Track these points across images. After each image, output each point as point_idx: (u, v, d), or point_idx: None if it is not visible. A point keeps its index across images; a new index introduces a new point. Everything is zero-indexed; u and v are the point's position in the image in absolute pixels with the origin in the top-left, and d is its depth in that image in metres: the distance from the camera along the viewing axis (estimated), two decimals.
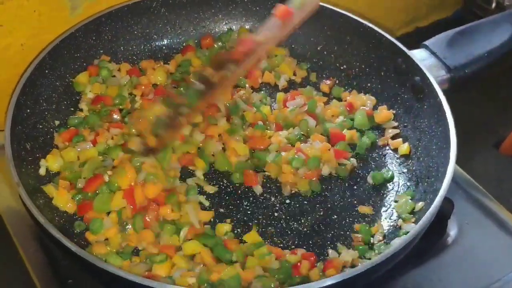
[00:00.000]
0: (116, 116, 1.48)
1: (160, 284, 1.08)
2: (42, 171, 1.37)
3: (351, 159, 1.46)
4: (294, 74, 1.67)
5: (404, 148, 1.47)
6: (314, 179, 1.42)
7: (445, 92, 1.42)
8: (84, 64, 1.58)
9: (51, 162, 1.38)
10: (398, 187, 1.42)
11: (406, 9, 2.11)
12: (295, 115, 1.52)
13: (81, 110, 1.51)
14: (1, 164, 1.41)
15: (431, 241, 1.37)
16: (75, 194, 1.33)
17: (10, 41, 1.49)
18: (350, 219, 1.36)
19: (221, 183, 1.42)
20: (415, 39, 1.61)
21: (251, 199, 1.39)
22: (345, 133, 1.50)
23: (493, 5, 2.00)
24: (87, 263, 1.12)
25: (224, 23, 1.75)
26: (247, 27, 1.74)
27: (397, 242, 1.21)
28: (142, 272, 1.21)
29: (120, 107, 1.52)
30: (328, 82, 1.65)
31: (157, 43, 1.70)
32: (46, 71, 1.48)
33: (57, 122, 1.48)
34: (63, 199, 1.32)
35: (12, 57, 1.51)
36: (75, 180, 1.35)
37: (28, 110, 1.41)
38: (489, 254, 1.36)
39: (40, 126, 1.44)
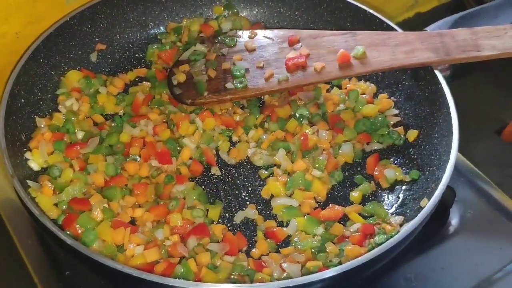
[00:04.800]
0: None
1: (153, 276, 1.07)
2: (34, 166, 1.35)
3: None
4: None
5: (412, 134, 1.45)
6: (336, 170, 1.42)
7: (446, 79, 1.40)
8: (80, 52, 1.56)
9: (35, 157, 1.35)
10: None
11: None
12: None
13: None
14: None
15: (433, 230, 1.35)
16: (60, 202, 1.28)
17: (6, 29, 1.47)
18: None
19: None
20: (416, 25, 1.59)
21: None
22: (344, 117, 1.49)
23: None
24: (82, 256, 1.10)
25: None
26: (243, 14, 1.72)
27: (399, 232, 1.19)
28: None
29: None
30: None
31: (153, 31, 1.68)
32: (41, 60, 1.45)
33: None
34: (46, 203, 1.27)
35: (7, 45, 1.48)
36: (59, 189, 1.30)
37: (23, 100, 1.39)
38: (492, 243, 1.34)
39: (35, 117, 1.42)
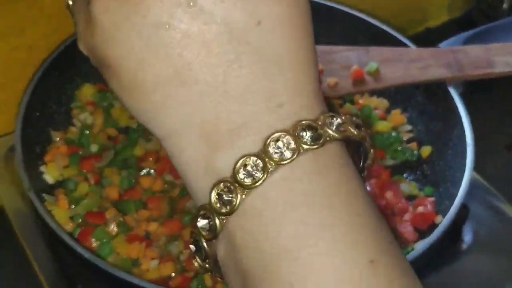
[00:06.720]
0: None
1: None
2: (49, 179, 1.35)
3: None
4: None
5: (425, 150, 1.45)
6: None
7: (459, 95, 1.40)
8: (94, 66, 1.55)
9: (51, 170, 1.35)
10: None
11: (414, 8, 2.08)
12: None
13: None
14: (10, 167, 1.40)
15: (446, 247, 1.34)
16: (76, 216, 1.28)
17: (19, 42, 1.47)
18: None
19: None
20: (426, 40, 1.59)
21: None
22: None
23: (505, 5, 1.98)
24: (99, 270, 1.10)
25: None
26: None
27: (414, 249, 1.19)
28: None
29: None
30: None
31: None
32: (55, 74, 1.45)
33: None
34: (62, 216, 1.26)
35: (21, 58, 1.48)
36: (74, 202, 1.30)
37: (38, 114, 1.40)
38: (505, 260, 1.34)
39: (50, 130, 1.42)
